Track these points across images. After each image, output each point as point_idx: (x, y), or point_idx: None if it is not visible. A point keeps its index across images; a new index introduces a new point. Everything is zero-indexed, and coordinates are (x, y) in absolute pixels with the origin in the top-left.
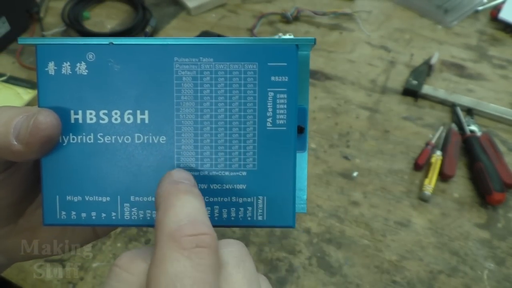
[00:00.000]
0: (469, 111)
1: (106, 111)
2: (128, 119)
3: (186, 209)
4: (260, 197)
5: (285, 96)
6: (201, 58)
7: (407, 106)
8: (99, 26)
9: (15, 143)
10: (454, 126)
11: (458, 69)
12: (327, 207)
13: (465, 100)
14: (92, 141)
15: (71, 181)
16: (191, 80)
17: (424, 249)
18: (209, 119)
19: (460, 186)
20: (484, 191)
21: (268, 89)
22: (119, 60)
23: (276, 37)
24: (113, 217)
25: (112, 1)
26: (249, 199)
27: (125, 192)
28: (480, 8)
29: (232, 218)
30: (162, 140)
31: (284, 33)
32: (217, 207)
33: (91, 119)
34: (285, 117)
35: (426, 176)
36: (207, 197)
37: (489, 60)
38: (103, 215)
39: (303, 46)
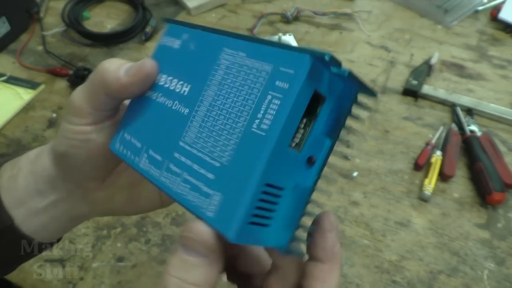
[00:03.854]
0: (469, 111)
1: (171, 78)
2: (178, 88)
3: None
4: (218, 193)
5: (278, 102)
6: (239, 52)
7: (407, 106)
8: (99, 26)
9: (123, 75)
10: (454, 126)
11: (458, 69)
12: (327, 207)
13: (465, 100)
14: (154, 98)
15: (133, 122)
16: (224, 69)
17: (424, 249)
18: (219, 105)
19: (460, 186)
20: (484, 191)
21: (269, 91)
22: (196, 43)
23: (276, 37)
24: (135, 162)
25: (112, 1)
26: (209, 191)
27: (148, 145)
28: (480, 8)
29: (187, 198)
30: (185, 112)
31: (284, 33)
32: (179, 179)
33: (160, 81)
34: (269, 123)
35: (426, 176)
36: (180, 170)
37: (489, 60)
38: (132, 156)
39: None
